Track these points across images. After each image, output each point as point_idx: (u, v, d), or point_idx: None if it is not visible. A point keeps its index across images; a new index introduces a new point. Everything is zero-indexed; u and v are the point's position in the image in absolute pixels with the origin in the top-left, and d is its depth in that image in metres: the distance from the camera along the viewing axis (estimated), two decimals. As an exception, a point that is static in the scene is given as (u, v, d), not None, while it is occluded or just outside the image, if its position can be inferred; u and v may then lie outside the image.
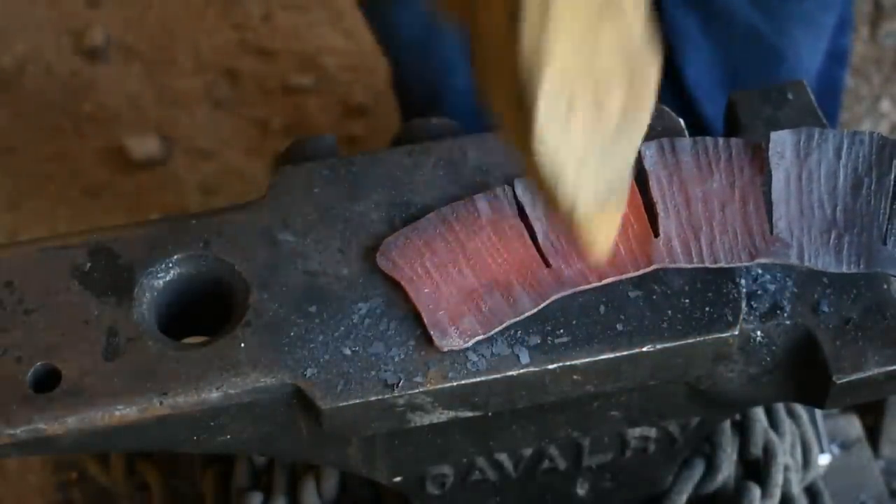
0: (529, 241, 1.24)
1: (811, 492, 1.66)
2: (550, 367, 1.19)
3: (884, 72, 2.86)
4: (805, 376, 1.26)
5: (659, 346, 1.20)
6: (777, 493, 1.53)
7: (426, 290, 1.21)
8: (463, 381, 1.18)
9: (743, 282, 1.24)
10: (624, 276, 1.22)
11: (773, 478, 1.53)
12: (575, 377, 1.20)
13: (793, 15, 2.06)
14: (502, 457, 1.38)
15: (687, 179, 1.27)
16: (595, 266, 1.20)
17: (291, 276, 1.23)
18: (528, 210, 1.25)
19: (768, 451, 1.54)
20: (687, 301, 1.22)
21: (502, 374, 1.18)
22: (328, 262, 1.24)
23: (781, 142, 1.28)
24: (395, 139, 1.44)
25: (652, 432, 1.39)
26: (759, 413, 1.56)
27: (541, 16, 0.96)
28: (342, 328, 1.20)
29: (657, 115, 1.32)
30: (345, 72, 2.88)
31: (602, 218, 1.07)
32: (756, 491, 1.52)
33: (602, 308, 1.22)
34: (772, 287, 1.26)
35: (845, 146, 1.28)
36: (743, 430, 1.55)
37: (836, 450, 1.88)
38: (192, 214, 1.28)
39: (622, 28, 1.02)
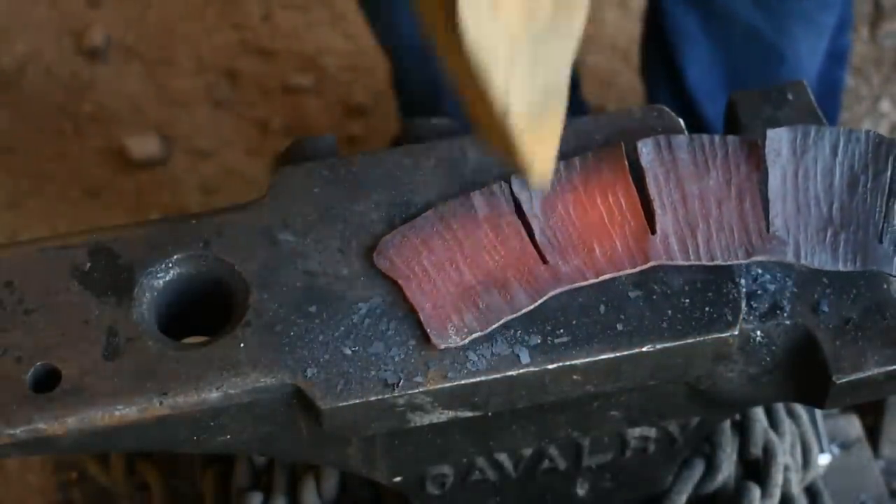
0: (526, 238, 1.24)
1: (811, 492, 1.66)
2: (550, 366, 1.19)
3: (884, 72, 2.86)
4: (805, 376, 1.26)
5: (659, 346, 1.20)
6: (777, 493, 1.53)
7: (423, 288, 1.21)
8: (463, 381, 1.18)
9: (743, 282, 1.23)
10: (621, 273, 1.22)
11: (772, 478, 1.53)
12: (575, 377, 1.20)
13: (793, 14, 2.06)
14: (502, 457, 1.38)
15: (684, 176, 1.27)
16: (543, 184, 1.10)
17: (291, 276, 1.23)
18: (524, 207, 1.25)
19: (768, 451, 1.54)
20: (687, 301, 1.22)
21: (502, 374, 1.18)
22: (328, 262, 1.24)
23: (778, 139, 1.27)
24: (395, 139, 1.44)
25: (652, 432, 1.39)
26: (759, 413, 1.56)
27: None
28: (342, 328, 1.20)
29: (657, 115, 1.32)
30: (345, 72, 2.88)
31: (538, 135, 1.03)
32: (756, 491, 1.52)
33: (602, 308, 1.21)
34: (771, 287, 1.25)
35: (842, 144, 1.28)
36: (743, 430, 1.55)
37: (836, 450, 1.88)
38: (192, 214, 1.28)
39: None
